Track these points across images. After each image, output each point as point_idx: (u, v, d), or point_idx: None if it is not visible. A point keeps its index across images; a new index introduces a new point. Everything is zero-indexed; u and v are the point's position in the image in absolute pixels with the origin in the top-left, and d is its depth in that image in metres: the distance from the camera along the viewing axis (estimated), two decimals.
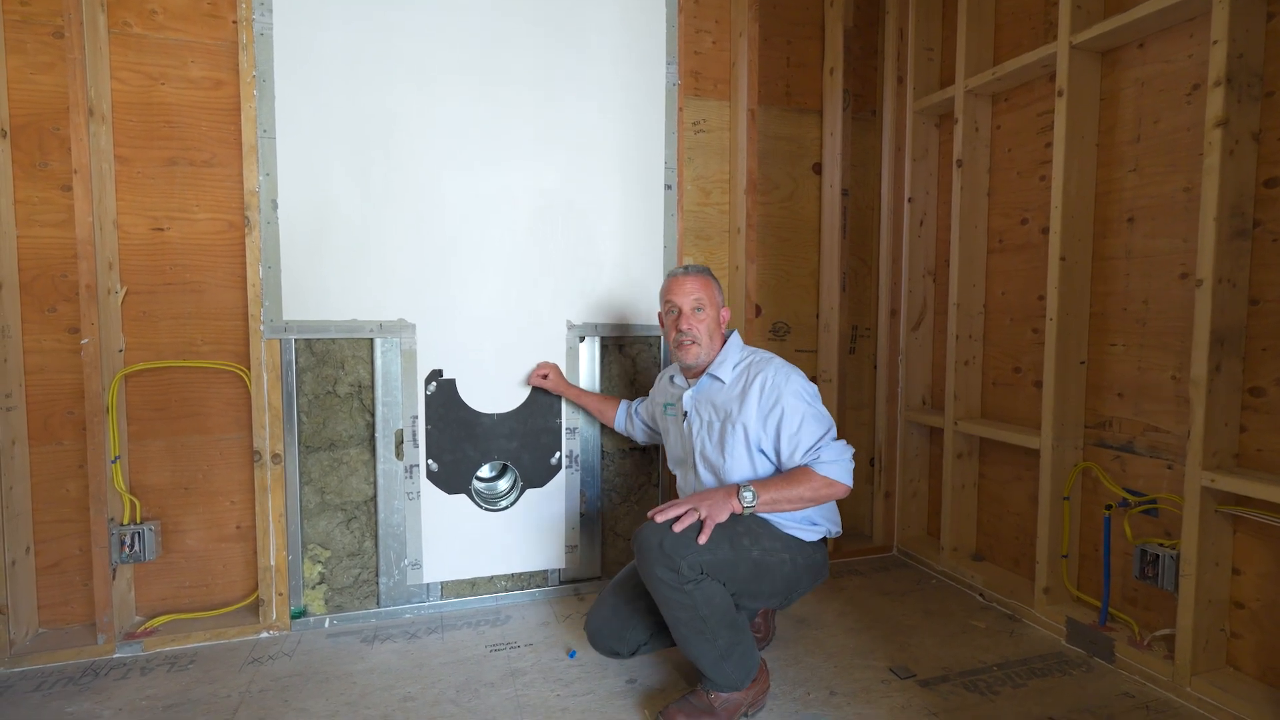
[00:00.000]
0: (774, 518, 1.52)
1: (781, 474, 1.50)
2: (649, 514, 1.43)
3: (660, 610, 1.43)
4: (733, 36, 2.24)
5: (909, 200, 2.40)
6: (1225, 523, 1.53)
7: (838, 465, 1.47)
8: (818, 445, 1.49)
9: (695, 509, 1.40)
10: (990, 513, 2.24)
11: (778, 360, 1.60)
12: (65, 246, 1.74)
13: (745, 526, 1.45)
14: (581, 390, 2.02)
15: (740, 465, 1.55)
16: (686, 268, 1.67)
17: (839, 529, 1.63)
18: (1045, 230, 1.98)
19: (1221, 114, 1.46)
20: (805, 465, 1.48)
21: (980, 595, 2.11)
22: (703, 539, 1.36)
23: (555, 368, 1.99)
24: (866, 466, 2.57)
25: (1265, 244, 1.49)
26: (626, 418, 1.96)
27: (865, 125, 2.50)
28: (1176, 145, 1.66)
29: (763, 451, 1.55)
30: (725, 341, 1.66)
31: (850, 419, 2.52)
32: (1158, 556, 1.61)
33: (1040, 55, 1.88)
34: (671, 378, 1.76)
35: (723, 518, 1.41)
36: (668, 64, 2.10)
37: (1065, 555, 1.90)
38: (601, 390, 2.10)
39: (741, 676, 1.42)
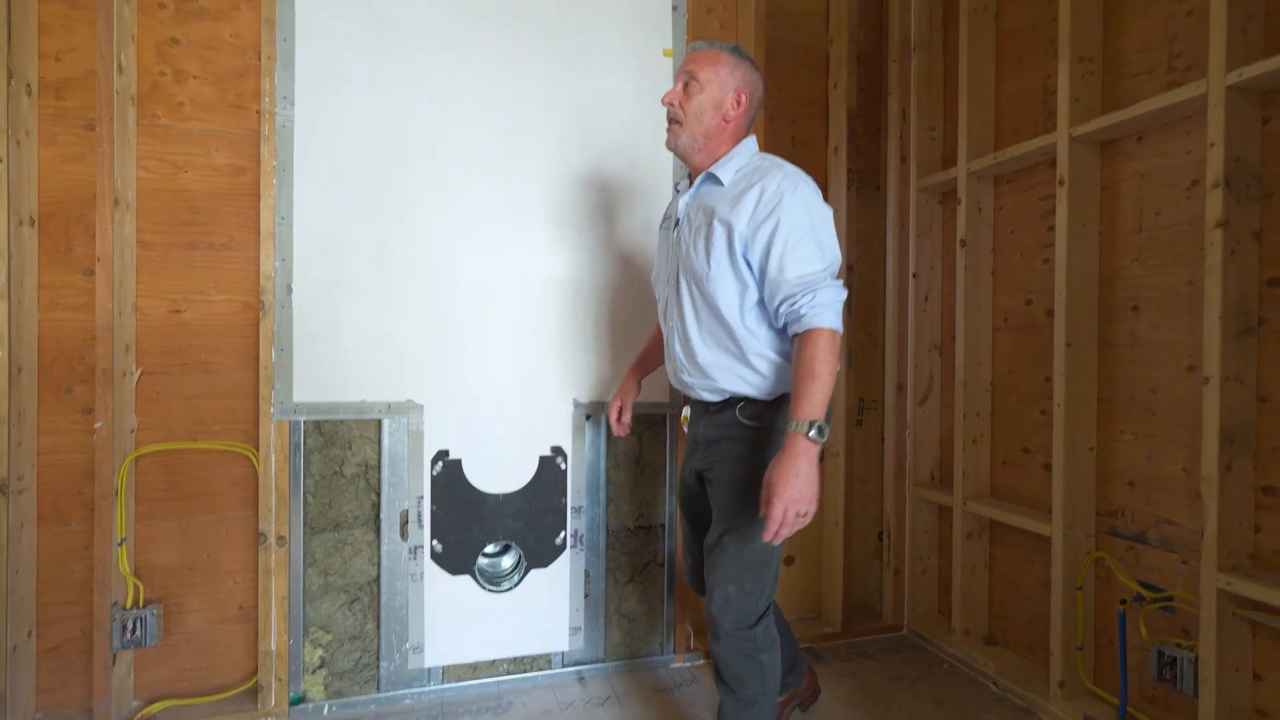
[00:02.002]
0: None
1: (799, 367, 1.26)
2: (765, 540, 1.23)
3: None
4: None
5: (914, 275, 2.43)
6: (1244, 626, 1.50)
7: (832, 310, 1.26)
8: (812, 280, 1.27)
9: (796, 512, 1.21)
10: (1002, 595, 2.19)
11: (791, 168, 1.35)
12: (85, 329, 1.78)
13: (738, 504, 1.39)
14: (648, 359, 1.84)
15: (724, 275, 1.33)
16: (699, 41, 1.46)
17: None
18: (1049, 313, 1.99)
19: (1221, 215, 1.48)
20: (807, 329, 1.26)
21: (994, 684, 2.05)
22: (791, 531, 1.22)
23: (625, 397, 1.80)
24: (875, 541, 2.54)
25: (1271, 342, 1.49)
26: None
27: (870, 201, 2.54)
28: (1178, 239, 1.68)
29: (748, 262, 1.32)
30: (737, 141, 1.42)
31: (858, 491, 2.50)
32: (1175, 659, 1.57)
33: (1040, 144, 1.92)
34: (676, 185, 1.53)
35: (814, 494, 1.22)
36: None
37: (1080, 647, 1.85)
38: (608, 468, 2.10)
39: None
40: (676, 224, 1.47)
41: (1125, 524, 1.79)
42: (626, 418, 1.81)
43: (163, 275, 1.84)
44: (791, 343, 1.34)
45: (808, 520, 1.23)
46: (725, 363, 1.40)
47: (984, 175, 2.18)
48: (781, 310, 1.31)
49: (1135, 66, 1.77)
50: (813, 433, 1.21)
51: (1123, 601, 1.73)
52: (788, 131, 2.44)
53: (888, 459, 2.50)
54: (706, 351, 1.42)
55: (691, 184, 1.47)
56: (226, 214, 1.88)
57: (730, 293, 1.35)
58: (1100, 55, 1.84)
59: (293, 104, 1.82)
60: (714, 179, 1.41)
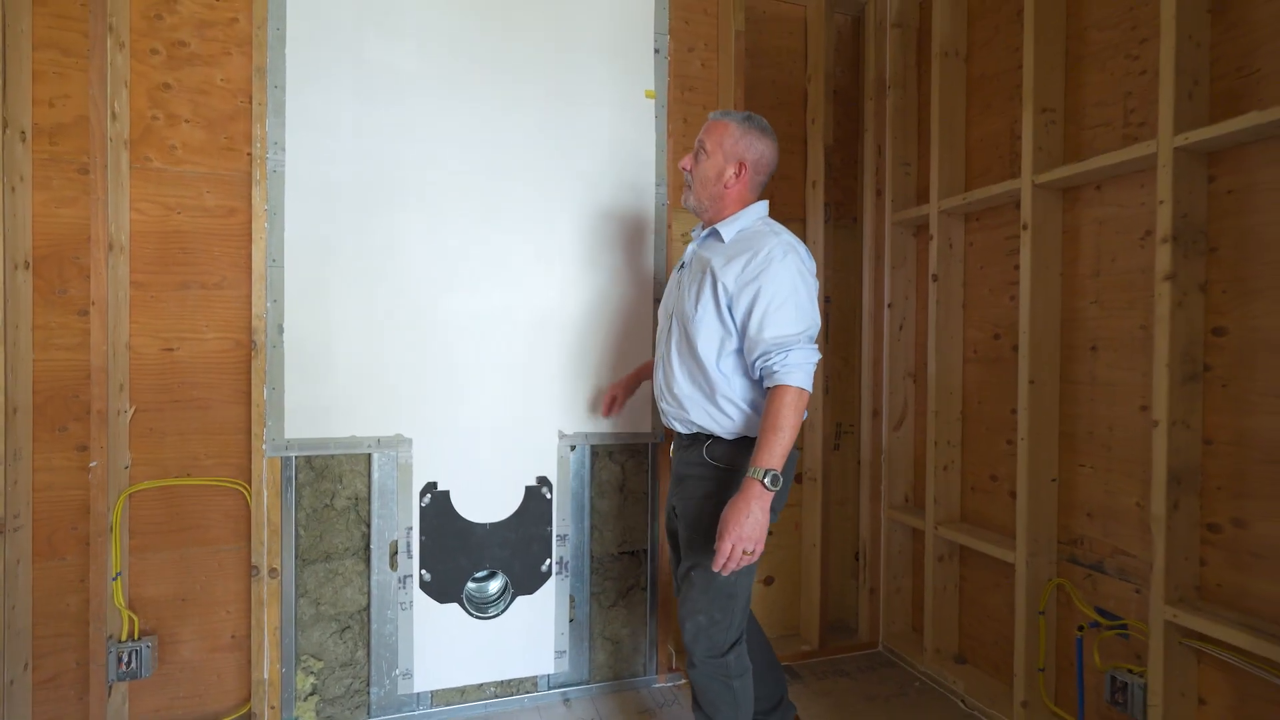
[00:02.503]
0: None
1: (764, 419, 1.38)
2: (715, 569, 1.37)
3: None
4: None
5: (889, 306, 2.51)
6: (1190, 655, 1.59)
7: (803, 371, 1.37)
8: (788, 341, 1.38)
9: (744, 549, 1.34)
10: (972, 616, 2.29)
11: (786, 237, 1.47)
12: (78, 369, 1.82)
13: (700, 538, 1.50)
14: (647, 368, 2.03)
15: (707, 320, 1.46)
16: (720, 110, 1.59)
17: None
18: (1015, 348, 2.08)
19: (1170, 269, 1.57)
20: (776, 385, 1.37)
21: (962, 702, 2.14)
22: (738, 566, 1.35)
23: (617, 385, 2.04)
24: (852, 561, 2.62)
25: (1215, 389, 1.58)
26: None
27: (847, 232, 2.63)
28: (1133, 284, 1.77)
29: (732, 316, 1.44)
30: (744, 204, 1.55)
31: (835, 513, 2.58)
32: (1126, 685, 1.66)
33: (1006, 188, 2.00)
34: (692, 231, 1.67)
35: (763, 528, 1.34)
36: (657, 186, 2.22)
37: (1042, 669, 1.94)
38: (591, 496, 2.17)
39: None
40: (683, 266, 1.63)
41: (1084, 553, 1.89)
42: (616, 411, 2.03)
43: (155, 314, 1.89)
44: (763, 394, 1.46)
45: (754, 558, 1.37)
46: (696, 398, 1.53)
47: (955, 213, 2.27)
48: (758, 364, 1.43)
49: (1094, 119, 1.86)
50: (767, 480, 1.34)
51: (1080, 627, 1.83)
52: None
53: (864, 482, 2.58)
54: (682, 384, 1.55)
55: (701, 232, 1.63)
56: (218, 254, 1.93)
57: (711, 337, 1.48)
58: (1062, 106, 1.93)
59: (284, 149, 1.87)
60: (717, 235, 1.55)
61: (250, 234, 1.90)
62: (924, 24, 2.47)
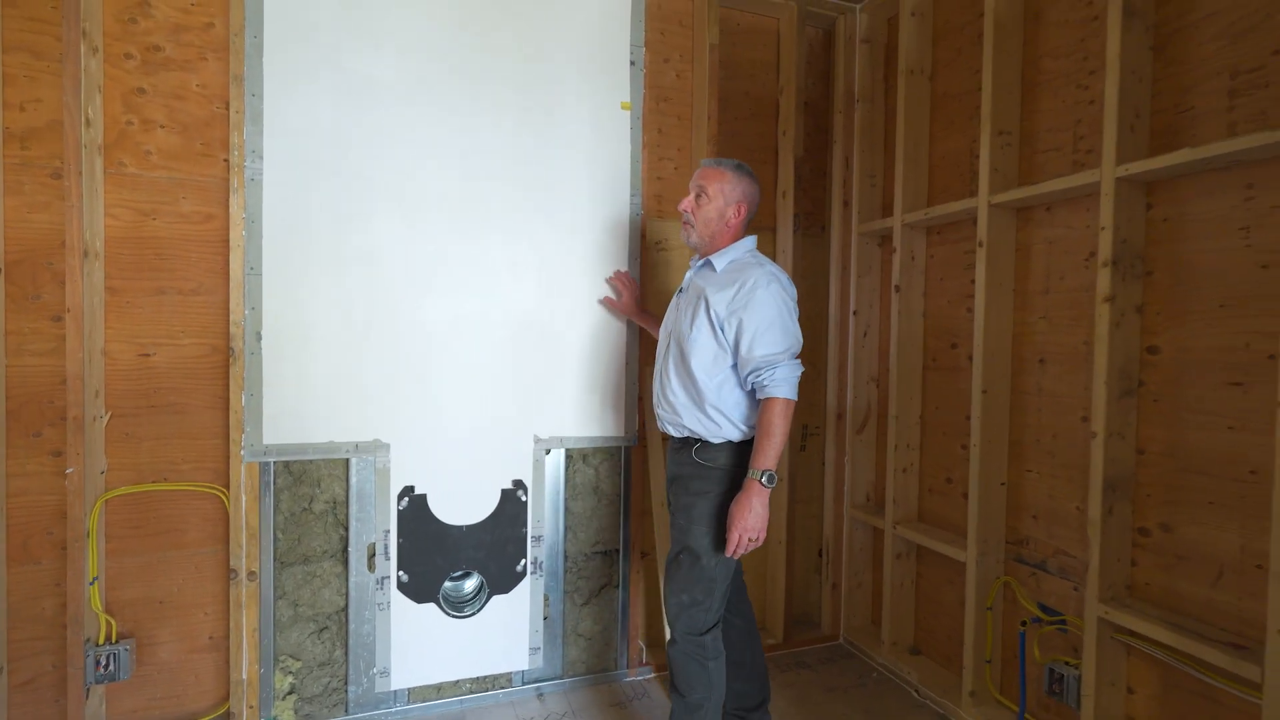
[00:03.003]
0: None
1: (759, 427, 1.60)
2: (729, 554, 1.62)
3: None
4: (692, 165, 2.43)
5: (854, 313, 2.61)
6: (1120, 648, 1.72)
7: (788, 384, 1.60)
8: (775, 358, 1.59)
9: (749, 538, 1.59)
10: (927, 610, 2.41)
11: (771, 268, 1.68)
12: (53, 374, 1.82)
13: (690, 527, 1.69)
14: (648, 315, 2.17)
15: (702, 340, 1.66)
16: (710, 159, 1.79)
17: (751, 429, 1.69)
18: (971, 358, 2.18)
19: (1109, 291, 1.68)
20: (767, 398, 1.59)
21: (916, 692, 2.27)
22: (762, 534, 1.61)
23: (631, 286, 2.18)
24: (816, 558, 2.74)
25: (1148, 403, 1.70)
26: None
27: (815, 240, 2.71)
28: (1078, 302, 1.88)
29: (722, 332, 1.64)
30: (735, 239, 1.75)
31: (800, 512, 2.69)
32: (1063, 676, 1.79)
33: (965, 206, 2.10)
34: (691, 260, 1.87)
35: (764, 520, 1.59)
36: (631, 196, 2.28)
37: (989, 660, 2.07)
38: (566, 498, 2.23)
39: None
40: (681, 293, 1.83)
41: (1029, 552, 2.01)
42: (621, 298, 2.20)
43: (131, 320, 1.89)
44: (745, 404, 1.69)
45: (758, 544, 1.62)
46: (688, 405, 1.73)
47: (917, 227, 2.36)
48: (749, 379, 1.64)
49: (1046, 143, 1.96)
50: (764, 479, 1.59)
51: (1024, 623, 1.95)
52: None
53: (828, 482, 2.69)
54: (678, 393, 1.75)
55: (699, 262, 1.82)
56: (194, 260, 1.93)
57: (704, 353, 1.68)
58: (1018, 129, 2.03)
59: (261, 157, 1.89)
60: (710, 265, 1.75)
61: (228, 241, 1.92)
62: (891, 41, 2.56)
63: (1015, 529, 2.06)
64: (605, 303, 2.23)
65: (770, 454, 1.59)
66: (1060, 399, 1.92)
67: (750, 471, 1.60)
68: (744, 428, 1.68)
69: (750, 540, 1.60)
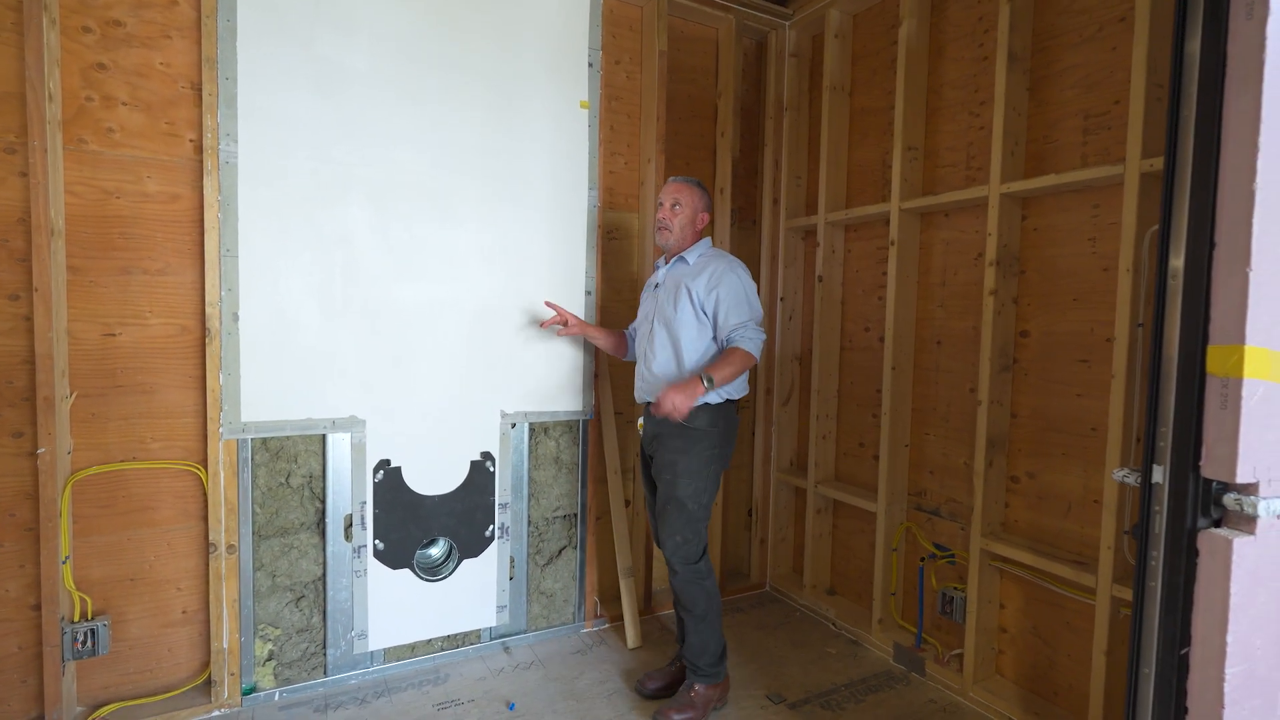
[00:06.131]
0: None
1: (721, 356, 1.94)
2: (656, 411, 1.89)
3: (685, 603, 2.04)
4: (641, 161, 2.64)
5: (781, 299, 2.93)
6: (995, 573, 2.15)
7: (753, 343, 1.96)
8: (745, 323, 1.96)
9: (673, 406, 1.85)
10: (841, 556, 2.81)
11: (730, 258, 2.06)
12: (13, 354, 1.78)
13: (676, 480, 1.99)
14: (598, 331, 2.36)
15: (686, 318, 2.00)
16: (677, 177, 2.13)
17: (742, 391, 2.07)
18: (881, 339, 2.56)
19: (993, 286, 2.06)
20: (734, 345, 1.94)
21: (833, 625, 2.65)
22: (686, 410, 1.87)
23: (571, 315, 2.32)
24: (745, 516, 3.07)
25: (1020, 376, 2.11)
26: (632, 341, 2.34)
27: (749, 233, 3.00)
28: (968, 294, 2.27)
29: (704, 310, 1.99)
30: (699, 239, 2.12)
31: (733, 476, 3.00)
32: (952, 599, 2.21)
33: (879, 210, 2.45)
34: (656, 266, 2.21)
35: (691, 404, 1.87)
36: (589, 189, 2.46)
37: (894, 593, 2.47)
38: (530, 468, 2.42)
39: (718, 672, 2.05)
40: (657, 286, 2.13)
41: (927, 501, 2.42)
42: (562, 326, 2.32)
43: (95, 300, 1.88)
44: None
45: (676, 414, 1.87)
46: (671, 373, 2.05)
47: (838, 224, 2.70)
48: (723, 338, 2.00)
49: (945, 160, 2.33)
50: (706, 381, 1.88)
51: (922, 559, 2.36)
52: (682, 172, 2.81)
53: (757, 449, 3.02)
54: (662, 363, 2.06)
55: (668, 261, 2.14)
56: (161, 240, 1.94)
57: (689, 329, 2.02)
58: (923, 145, 2.39)
59: (236, 140, 1.91)
60: (683, 260, 2.09)
61: (200, 222, 1.93)
62: (816, 57, 2.86)
63: (916, 482, 2.46)
64: (558, 332, 2.34)
65: (720, 372, 1.89)
66: (953, 374, 2.32)
67: (702, 374, 1.89)
68: (719, 392, 1.99)
69: (673, 408, 1.85)
